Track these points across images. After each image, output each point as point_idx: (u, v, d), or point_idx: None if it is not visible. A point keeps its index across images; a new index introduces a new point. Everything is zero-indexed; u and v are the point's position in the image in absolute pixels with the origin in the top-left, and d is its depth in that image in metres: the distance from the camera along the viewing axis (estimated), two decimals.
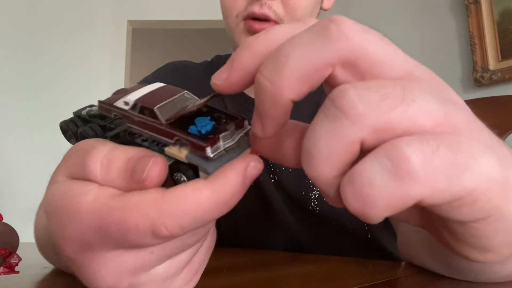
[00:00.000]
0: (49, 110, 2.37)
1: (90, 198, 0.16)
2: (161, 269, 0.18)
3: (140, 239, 0.15)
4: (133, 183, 0.16)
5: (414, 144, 0.13)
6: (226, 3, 0.57)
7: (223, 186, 0.15)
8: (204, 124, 0.17)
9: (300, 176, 0.57)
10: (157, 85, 0.20)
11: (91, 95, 2.30)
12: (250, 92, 0.63)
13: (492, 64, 1.58)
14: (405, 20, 1.94)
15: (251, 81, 0.16)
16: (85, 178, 0.17)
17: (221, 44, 2.69)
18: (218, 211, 0.16)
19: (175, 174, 0.17)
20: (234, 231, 0.60)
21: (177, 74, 0.69)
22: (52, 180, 0.19)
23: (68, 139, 0.21)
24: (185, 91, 0.19)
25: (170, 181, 0.17)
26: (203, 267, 0.21)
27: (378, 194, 0.13)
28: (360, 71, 0.15)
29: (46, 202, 0.18)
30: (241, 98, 0.62)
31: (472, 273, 0.27)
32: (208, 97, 0.17)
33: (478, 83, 1.61)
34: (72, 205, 0.16)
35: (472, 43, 1.64)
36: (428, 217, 0.18)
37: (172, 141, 0.17)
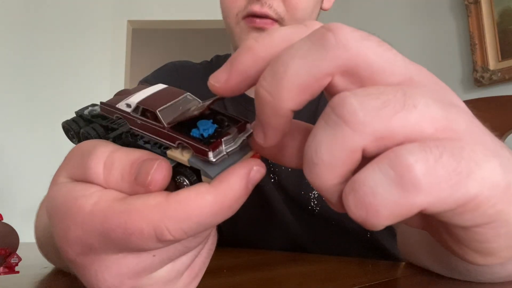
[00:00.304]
0: (49, 110, 2.37)
1: (93, 201, 0.16)
2: (163, 272, 0.18)
3: (143, 243, 0.15)
4: (137, 187, 0.16)
5: (417, 153, 0.13)
6: (226, 3, 0.57)
7: (226, 191, 0.15)
8: (207, 127, 0.17)
9: (300, 175, 0.57)
10: (159, 86, 0.20)
11: (91, 95, 2.30)
12: (250, 93, 0.63)
13: (492, 64, 1.58)
14: (405, 20, 1.94)
15: (251, 84, 0.16)
16: (87, 180, 0.17)
17: (221, 44, 2.70)
18: (221, 215, 0.16)
19: (177, 177, 0.17)
20: (234, 231, 0.60)
21: (176, 74, 0.69)
22: (54, 182, 0.19)
23: (71, 139, 0.21)
24: (188, 93, 0.19)
25: (172, 184, 0.17)
26: (203, 270, 0.21)
27: (381, 203, 0.13)
28: (360, 78, 0.15)
29: (48, 204, 0.18)
30: (241, 98, 0.62)
31: (472, 273, 0.27)
32: (211, 100, 0.17)
33: (478, 83, 1.61)
34: (75, 207, 0.16)
35: (472, 43, 1.64)
36: (429, 221, 0.18)
37: (174, 145, 0.17)
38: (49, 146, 2.21)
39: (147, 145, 0.18)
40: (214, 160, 0.16)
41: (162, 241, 0.15)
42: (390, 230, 0.57)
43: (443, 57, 1.75)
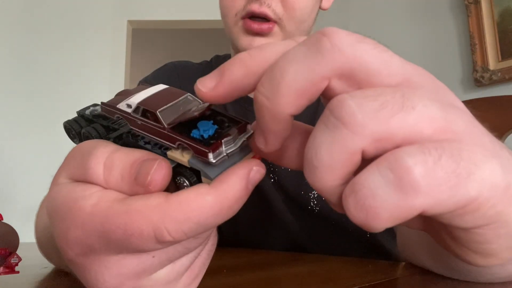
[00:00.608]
0: (49, 110, 2.38)
1: (93, 201, 0.16)
2: (163, 273, 0.18)
3: (143, 244, 0.15)
4: (137, 187, 0.16)
5: (416, 155, 0.13)
6: (225, 2, 0.57)
7: (226, 192, 0.15)
8: (207, 128, 0.17)
9: (299, 176, 0.57)
10: (160, 87, 0.20)
11: (91, 95, 2.30)
12: (250, 93, 0.63)
13: (492, 64, 1.58)
14: (405, 20, 1.94)
15: (237, 95, 0.16)
16: (87, 180, 0.17)
17: (221, 44, 2.69)
18: (221, 216, 0.16)
19: (177, 178, 0.17)
20: (234, 232, 0.60)
21: (176, 74, 0.69)
22: (54, 182, 0.19)
23: (72, 138, 0.21)
24: (188, 93, 0.19)
25: (172, 185, 0.17)
26: (203, 271, 0.21)
27: (381, 206, 0.13)
28: (357, 80, 0.15)
29: (49, 205, 0.18)
30: (241, 99, 0.62)
31: (472, 274, 0.27)
32: None
33: (478, 83, 1.61)
34: (75, 208, 0.16)
35: (472, 43, 1.64)
36: (429, 222, 0.18)
37: (174, 145, 0.17)
38: (49, 146, 2.21)
39: (148, 146, 0.18)
40: (214, 161, 0.16)
41: (162, 242, 0.15)
42: (390, 230, 0.57)
43: (443, 57, 1.75)
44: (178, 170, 0.17)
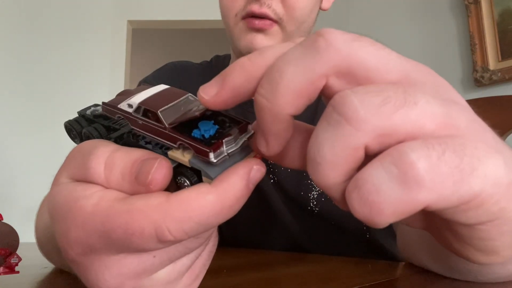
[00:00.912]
0: (49, 110, 2.38)
1: (94, 201, 0.16)
2: (163, 273, 0.18)
3: (144, 243, 0.15)
4: (138, 186, 0.16)
5: (420, 150, 0.13)
6: (225, 2, 0.57)
7: (227, 191, 0.15)
8: (208, 128, 0.17)
9: (299, 176, 0.57)
10: (161, 87, 0.20)
11: (92, 95, 2.30)
12: None
13: (492, 64, 1.58)
14: (405, 20, 1.94)
15: (239, 101, 0.17)
16: (88, 179, 0.17)
17: (221, 44, 2.70)
18: (222, 215, 0.16)
19: (178, 178, 0.17)
20: (234, 232, 0.60)
21: (176, 74, 0.69)
22: (55, 182, 0.19)
23: (73, 138, 0.21)
24: (189, 93, 0.19)
25: (173, 185, 0.17)
26: (204, 271, 0.21)
27: (384, 201, 0.13)
28: (355, 78, 0.15)
29: (50, 204, 0.18)
30: None
31: (472, 273, 0.27)
32: None
33: (478, 83, 1.61)
34: (76, 208, 0.16)
35: (472, 43, 1.64)
36: (431, 220, 0.18)
37: (175, 145, 0.17)
38: (49, 146, 2.21)
39: (149, 146, 0.18)
40: (215, 161, 0.16)
41: (163, 242, 0.15)
42: (389, 230, 0.57)
43: (443, 57, 1.76)
44: (179, 170, 0.17)
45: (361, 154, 0.14)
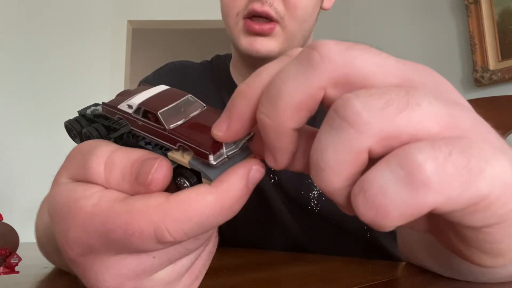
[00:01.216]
0: (49, 109, 2.38)
1: (94, 201, 0.16)
2: (163, 274, 0.18)
3: (143, 244, 0.15)
4: (138, 186, 0.16)
5: (426, 151, 0.12)
6: (226, 1, 0.57)
7: (227, 191, 0.15)
8: None
9: (299, 176, 0.57)
10: (162, 87, 0.20)
11: (92, 95, 2.30)
12: None
13: (492, 64, 1.58)
14: (405, 20, 1.94)
15: (251, 125, 0.17)
16: (88, 180, 0.17)
17: (221, 44, 2.69)
18: (222, 216, 0.16)
19: (178, 179, 0.17)
20: (234, 232, 0.60)
21: (176, 74, 0.69)
22: (55, 182, 0.19)
23: (73, 138, 0.21)
24: (189, 94, 0.19)
25: (173, 185, 0.17)
26: (204, 272, 0.21)
27: (391, 204, 0.12)
28: (354, 86, 0.15)
29: (50, 205, 0.18)
30: None
31: (473, 274, 0.27)
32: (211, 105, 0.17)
33: (478, 83, 1.61)
34: (76, 208, 0.16)
35: (472, 43, 1.64)
36: (435, 223, 0.17)
37: (175, 147, 0.17)
38: (49, 146, 2.21)
39: (148, 146, 0.18)
40: (214, 163, 0.16)
41: (162, 242, 0.15)
42: (390, 231, 0.57)
43: (443, 57, 1.75)
44: (178, 171, 0.17)
45: (365, 158, 0.14)
